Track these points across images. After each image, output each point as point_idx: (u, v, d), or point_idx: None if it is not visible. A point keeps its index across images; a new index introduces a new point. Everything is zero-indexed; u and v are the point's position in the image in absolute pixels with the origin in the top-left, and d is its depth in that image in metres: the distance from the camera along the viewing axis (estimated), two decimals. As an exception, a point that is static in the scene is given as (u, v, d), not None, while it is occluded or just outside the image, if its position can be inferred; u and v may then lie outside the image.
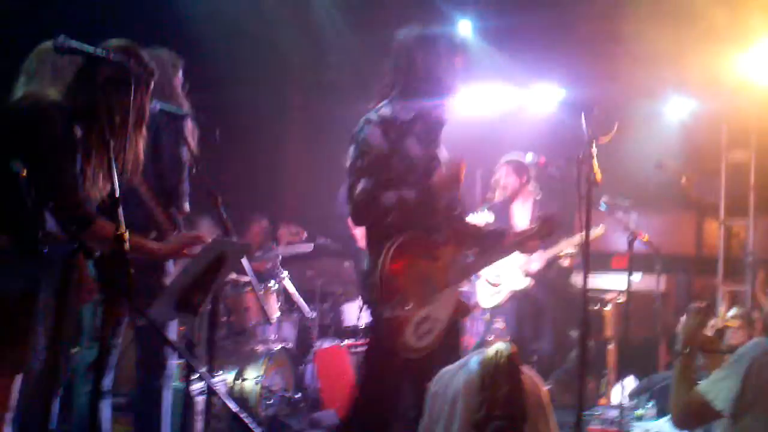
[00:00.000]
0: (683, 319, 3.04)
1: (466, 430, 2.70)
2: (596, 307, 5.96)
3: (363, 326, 3.30)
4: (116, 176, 2.42)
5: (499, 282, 5.59)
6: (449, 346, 3.26)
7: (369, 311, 3.27)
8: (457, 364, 2.89)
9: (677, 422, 2.93)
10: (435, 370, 3.01)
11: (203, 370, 3.02)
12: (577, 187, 3.17)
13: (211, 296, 2.95)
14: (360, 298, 3.51)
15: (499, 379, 2.68)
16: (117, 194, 2.38)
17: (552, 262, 5.64)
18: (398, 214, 3.13)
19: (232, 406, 2.26)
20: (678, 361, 2.94)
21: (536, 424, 2.74)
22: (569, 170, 3.18)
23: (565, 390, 5.27)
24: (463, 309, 3.40)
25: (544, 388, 2.86)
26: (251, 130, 6.61)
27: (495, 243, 3.46)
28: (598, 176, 3.18)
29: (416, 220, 3.17)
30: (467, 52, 3.43)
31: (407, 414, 3.24)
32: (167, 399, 3.47)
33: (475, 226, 3.65)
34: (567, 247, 5.54)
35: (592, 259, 3.26)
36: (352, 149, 3.19)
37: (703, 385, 2.80)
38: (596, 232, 5.38)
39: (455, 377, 2.87)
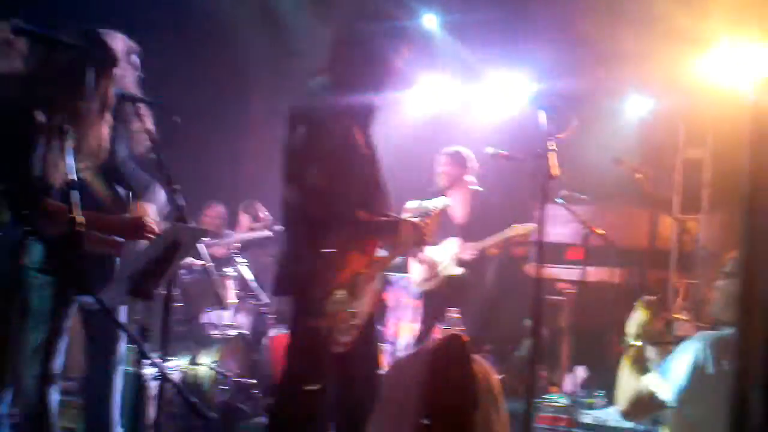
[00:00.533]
0: (635, 311, 3.10)
1: (419, 418, 2.72)
2: (549, 297, 6.03)
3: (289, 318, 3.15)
4: (74, 161, 2.39)
5: (436, 264, 5.60)
6: (368, 340, 3.20)
7: (296, 301, 3.08)
8: (411, 353, 2.91)
9: (625, 412, 2.99)
10: (356, 364, 2.99)
11: (156, 355, 2.99)
12: (534, 180, 3.20)
13: (165, 281, 2.92)
14: (278, 285, 3.17)
15: (451, 367, 2.71)
16: (74, 179, 2.35)
17: (484, 253, 5.66)
18: (345, 225, 3.04)
19: (185, 391, 2.24)
20: (628, 352, 3.00)
21: (487, 412, 2.78)
22: (528, 164, 3.20)
23: (517, 379, 5.33)
24: (380, 303, 3.34)
25: (496, 376, 2.91)
26: (210, 116, 6.54)
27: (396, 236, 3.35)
28: (555, 171, 3.20)
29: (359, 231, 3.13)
30: (424, 46, 3.40)
31: (337, 408, 3.18)
32: (117, 384, 3.44)
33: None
34: (498, 240, 5.56)
35: (546, 250, 3.29)
36: (304, 129, 3.00)
37: (650, 377, 2.87)
38: (525, 228, 5.39)
39: (409, 366, 2.90)
